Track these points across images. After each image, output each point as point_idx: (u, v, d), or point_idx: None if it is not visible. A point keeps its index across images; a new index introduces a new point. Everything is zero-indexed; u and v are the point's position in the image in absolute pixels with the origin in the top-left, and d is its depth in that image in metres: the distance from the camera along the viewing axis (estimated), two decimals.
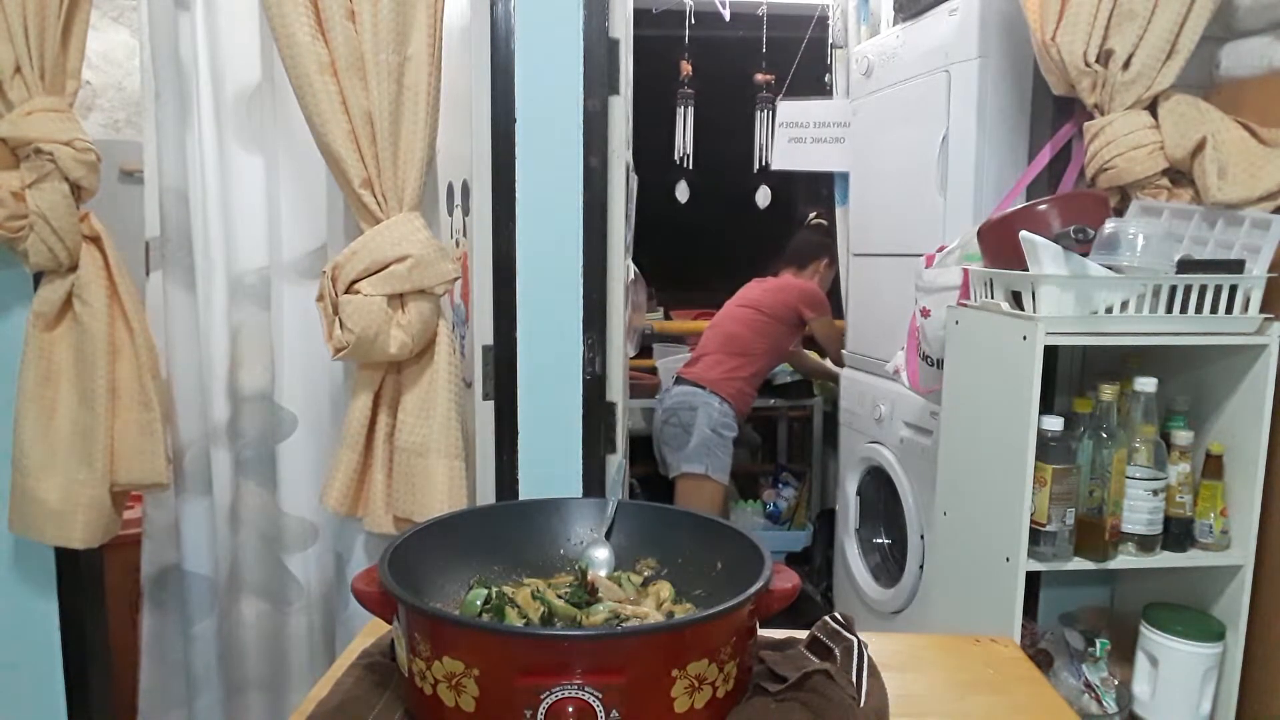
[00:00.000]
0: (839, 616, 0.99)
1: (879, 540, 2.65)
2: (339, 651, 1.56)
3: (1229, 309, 1.55)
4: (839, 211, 3.08)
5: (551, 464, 1.71)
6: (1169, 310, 1.55)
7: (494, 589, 0.94)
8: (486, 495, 1.70)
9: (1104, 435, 1.57)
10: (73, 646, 1.72)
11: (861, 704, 0.86)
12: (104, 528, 1.60)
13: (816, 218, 3.63)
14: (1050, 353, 1.59)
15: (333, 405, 1.78)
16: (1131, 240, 1.51)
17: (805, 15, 3.20)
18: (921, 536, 2.27)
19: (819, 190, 3.47)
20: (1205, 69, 1.78)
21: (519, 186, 1.65)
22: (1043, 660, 1.73)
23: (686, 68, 3.38)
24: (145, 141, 1.72)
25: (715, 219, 3.79)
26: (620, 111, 1.68)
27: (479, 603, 0.92)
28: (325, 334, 1.57)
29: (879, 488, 2.60)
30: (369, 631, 1.05)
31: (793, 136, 3.07)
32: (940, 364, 1.92)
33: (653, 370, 3.54)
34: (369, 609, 0.87)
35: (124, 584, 1.94)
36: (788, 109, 3.07)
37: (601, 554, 1.05)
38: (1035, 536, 1.57)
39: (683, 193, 3.50)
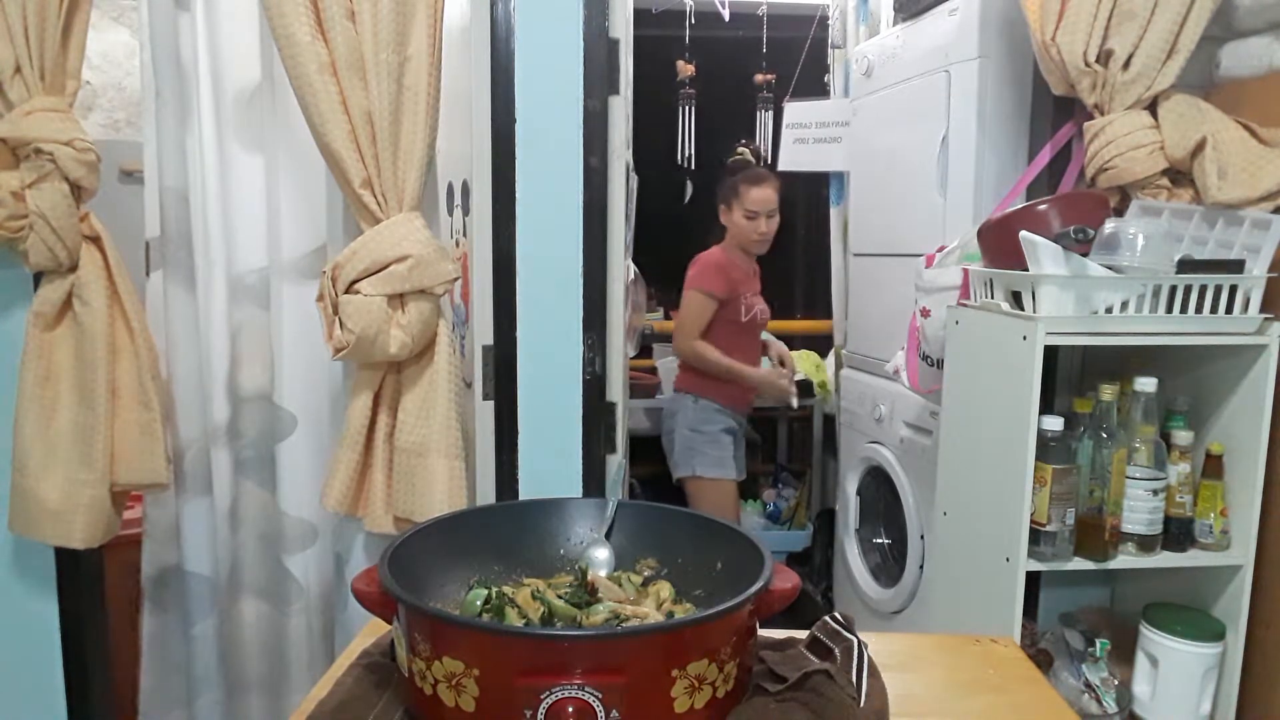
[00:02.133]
0: (839, 616, 0.99)
1: (879, 540, 2.65)
2: (339, 652, 1.56)
3: (1229, 309, 1.55)
4: (833, 211, 3.08)
5: (551, 464, 1.71)
6: (1169, 310, 1.55)
7: (494, 589, 0.94)
8: (486, 495, 1.70)
9: (1104, 435, 1.57)
10: (73, 646, 1.72)
11: (861, 704, 0.86)
12: (104, 528, 1.60)
13: (743, 145, 3.23)
14: (1050, 353, 1.59)
15: (333, 405, 1.78)
16: (1131, 240, 1.51)
17: (805, 15, 3.20)
18: (921, 536, 2.27)
19: (819, 190, 3.47)
20: (1205, 69, 1.77)
21: (519, 186, 1.65)
22: (1043, 660, 1.73)
23: (688, 68, 3.38)
24: (145, 141, 1.72)
25: (715, 219, 3.79)
26: (620, 111, 1.68)
27: (479, 603, 0.92)
28: (325, 334, 1.57)
29: (879, 488, 2.60)
30: (369, 631, 1.06)
31: (797, 137, 3.07)
32: (940, 364, 1.92)
33: (653, 370, 3.54)
34: (369, 609, 0.87)
35: (124, 584, 1.94)
36: (793, 110, 3.07)
37: (601, 554, 1.05)
38: (1035, 536, 1.57)
39: (686, 193, 3.48)
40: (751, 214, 2.73)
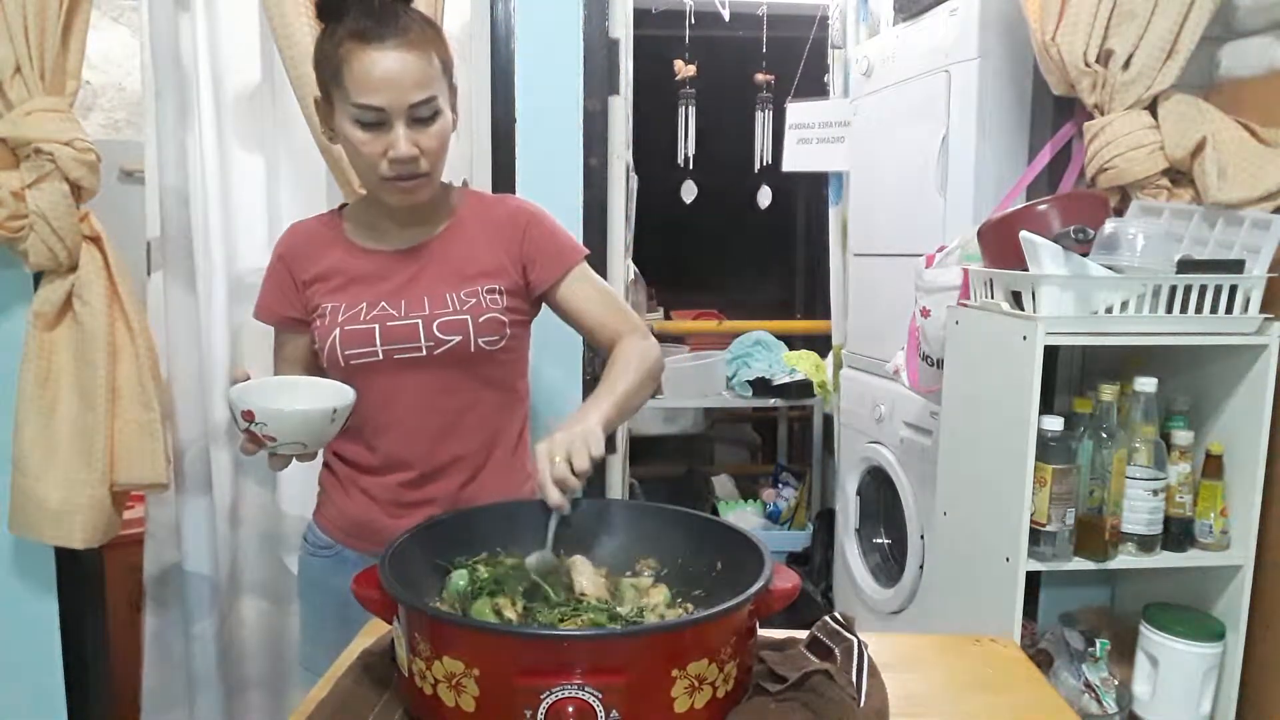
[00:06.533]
0: (839, 616, 0.99)
1: (879, 540, 2.65)
2: None
3: (1229, 309, 1.55)
4: (832, 211, 3.08)
5: None
6: (1169, 310, 1.55)
7: (471, 567, 0.95)
8: None
9: (1104, 435, 1.57)
10: (73, 646, 1.72)
11: (861, 704, 0.86)
12: (104, 528, 1.60)
13: None
14: (1050, 353, 1.59)
15: None
16: (1131, 240, 1.51)
17: (805, 15, 3.20)
18: (921, 536, 2.27)
19: (819, 190, 3.46)
20: (1205, 69, 1.77)
21: (519, 186, 1.65)
22: (1043, 660, 1.73)
23: (688, 68, 3.38)
24: (146, 141, 1.72)
25: (715, 219, 3.79)
26: (620, 111, 1.68)
27: (461, 583, 0.93)
28: None
29: (879, 488, 2.59)
30: (369, 631, 1.06)
31: (801, 138, 3.07)
32: (940, 364, 1.92)
33: None
34: (369, 609, 0.87)
35: (124, 584, 1.94)
36: (796, 110, 3.07)
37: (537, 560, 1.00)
38: (1035, 536, 1.56)
39: (688, 193, 3.48)
40: (365, 115, 1.09)
